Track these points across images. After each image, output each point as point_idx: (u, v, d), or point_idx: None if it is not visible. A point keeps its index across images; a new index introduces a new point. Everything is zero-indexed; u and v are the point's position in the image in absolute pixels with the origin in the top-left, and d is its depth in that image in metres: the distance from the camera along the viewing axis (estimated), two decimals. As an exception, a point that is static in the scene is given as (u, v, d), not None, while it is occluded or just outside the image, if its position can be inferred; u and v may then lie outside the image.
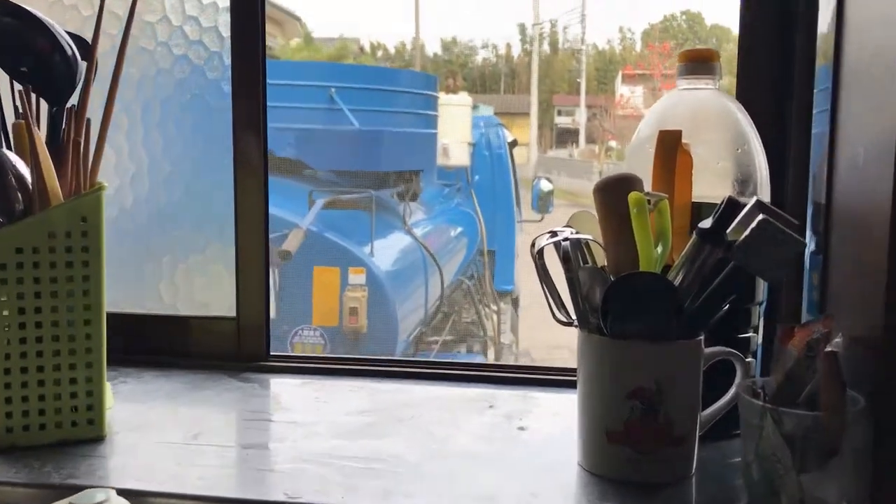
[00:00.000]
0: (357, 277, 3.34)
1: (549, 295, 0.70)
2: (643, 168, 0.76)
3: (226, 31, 1.00)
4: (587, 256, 0.72)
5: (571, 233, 0.68)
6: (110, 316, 0.77)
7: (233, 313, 1.01)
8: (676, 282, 0.66)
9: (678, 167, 0.75)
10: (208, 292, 1.04)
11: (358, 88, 3.69)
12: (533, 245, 0.70)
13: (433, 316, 4.22)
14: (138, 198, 1.04)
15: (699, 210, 0.75)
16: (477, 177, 5.24)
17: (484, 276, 5.20)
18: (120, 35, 0.79)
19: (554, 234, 0.70)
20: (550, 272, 0.71)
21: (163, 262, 1.05)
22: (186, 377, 0.96)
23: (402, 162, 4.01)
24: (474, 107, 5.42)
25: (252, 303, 1.01)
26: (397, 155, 3.89)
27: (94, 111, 0.77)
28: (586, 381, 0.70)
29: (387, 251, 3.52)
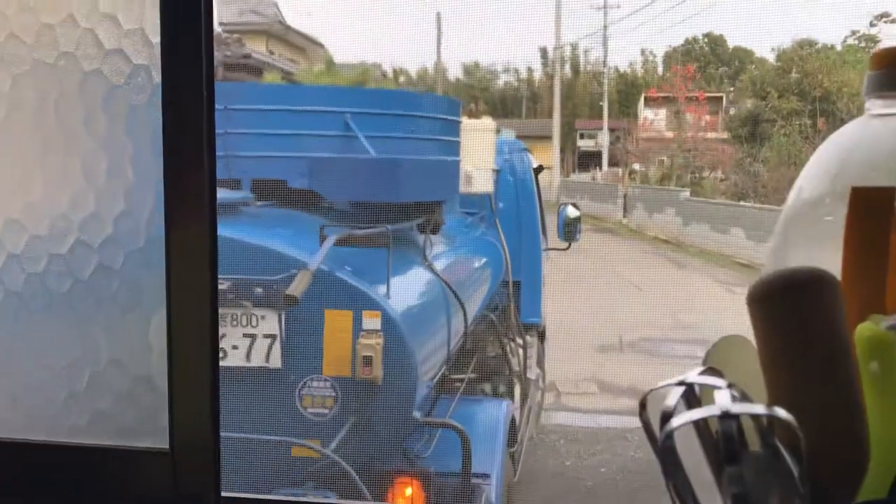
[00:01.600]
0: (371, 322, 3.03)
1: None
2: (809, 246, 0.45)
3: (155, 35, 0.69)
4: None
5: (733, 393, 0.34)
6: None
7: (165, 444, 0.69)
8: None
9: (892, 249, 0.43)
10: (130, 413, 0.72)
11: (375, 114, 3.45)
12: (643, 406, 0.38)
13: (456, 355, 3.93)
14: (31, 277, 0.73)
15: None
16: (501, 204, 4.98)
17: (509, 309, 4.93)
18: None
19: (689, 391, 0.37)
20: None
21: (64, 368, 0.73)
22: (91, 548, 0.64)
23: (422, 192, 3.73)
24: (497, 131, 5.19)
25: (192, 428, 0.70)
26: (417, 185, 3.62)
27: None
28: None
29: (405, 290, 3.21)
